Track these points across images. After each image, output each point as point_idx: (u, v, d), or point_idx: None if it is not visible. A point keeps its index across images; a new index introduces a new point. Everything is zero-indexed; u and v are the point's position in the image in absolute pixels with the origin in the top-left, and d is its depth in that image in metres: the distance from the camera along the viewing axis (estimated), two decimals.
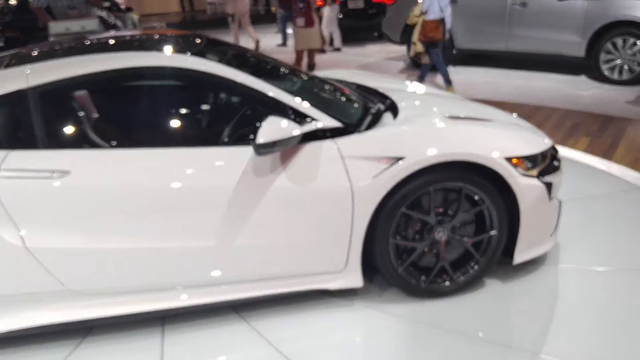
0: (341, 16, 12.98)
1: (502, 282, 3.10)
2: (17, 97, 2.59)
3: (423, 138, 2.81)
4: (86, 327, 2.80)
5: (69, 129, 2.68)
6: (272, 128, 2.50)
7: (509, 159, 2.82)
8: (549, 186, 3.01)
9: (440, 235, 2.89)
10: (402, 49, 10.08)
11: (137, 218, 2.59)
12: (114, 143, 2.67)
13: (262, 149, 2.49)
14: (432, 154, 2.71)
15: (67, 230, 2.55)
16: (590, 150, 5.00)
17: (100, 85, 2.72)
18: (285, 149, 2.59)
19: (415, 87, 4.12)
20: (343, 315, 2.89)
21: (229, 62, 3.28)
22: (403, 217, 2.84)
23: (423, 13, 7.46)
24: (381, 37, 10.82)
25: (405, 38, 9.80)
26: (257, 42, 12.34)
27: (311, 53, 8.51)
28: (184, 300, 2.72)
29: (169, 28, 15.42)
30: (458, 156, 2.73)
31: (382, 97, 3.51)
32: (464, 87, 8.08)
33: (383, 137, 2.81)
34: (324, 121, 2.77)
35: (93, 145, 2.64)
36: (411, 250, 2.91)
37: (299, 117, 2.75)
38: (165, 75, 2.74)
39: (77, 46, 3.16)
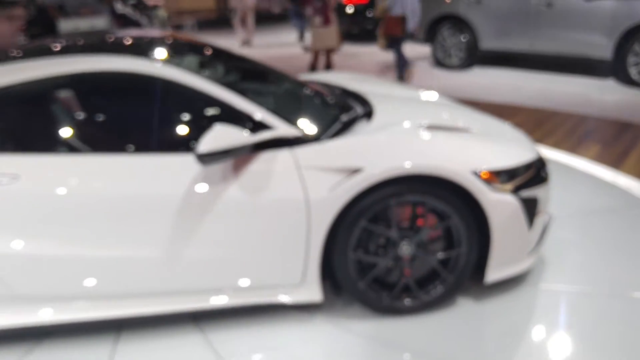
0: (371, 15, 12.83)
1: (475, 301, 2.93)
2: None
3: (384, 149, 2.66)
4: (38, 333, 2.76)
5: (20, 133, 2.64)
6: (216, 137, 2.40)
7: (477, 173, 2.65)
8: (529, 201, 2.83)
9: (405, 250, 2.75)
10: (427, 49, 9.85)
11: (86, 225, 2.53)
12: (66, 149, 2.62)
13: (205, 159, 2.39)
14: (391, 166, 2.56)
15: (16, 234, 2.51)
16: (599, 158, 4.72)
17: (53, 89, 2.67)
18: (233, 159, 2.49)
19: (423, 94, 3.93)
20: (301, 330, 2.76)
21: (201, 65, 3.22)
22: (365, 231, 2.70)
23: (387, 9, 7.76)
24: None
25: (430, 37, 9.59)
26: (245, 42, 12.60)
27: (329, 53, 8.36)
28: (133, 308, 2.65)
29: (198, 27, 15.56)
30: (419, 169, 2.58)
31: (364, 103, 3.37)
32: (485, 88, 7.84)
33: (342, 147, 2.68)
34: (282, 130, 2.66)
35: (45, 150, 2.59)
36: (374, 265, 2.77)
37: (256, 125, 2.65)
38: (117, 79, 2.67)
39: (59, 47, 3.10)
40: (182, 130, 2.67)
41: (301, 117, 2.91)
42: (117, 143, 2.62)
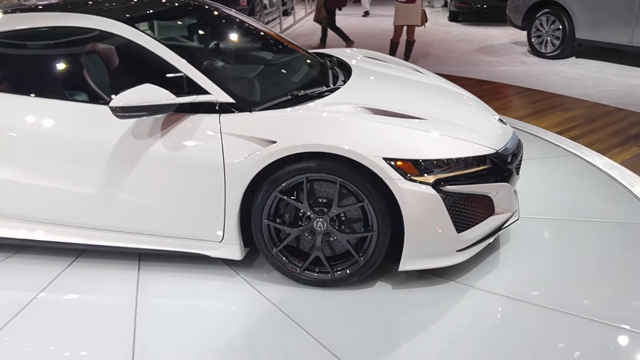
0: None
1: (392, 286, 2.77)
2: None
3: (299, 125, 2.58)
4: (21, 246, 3.10)
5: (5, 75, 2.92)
6: (133, 94, 2.46)
7: (391, 160, 2.48)
8: (466, 197, 2.60)
9: (318, 225, 2.67)
10: (524, 34, 9.07)
11: (41, 159, 2.78)
12: (35, 92, 2.85)
13: (117, 112, 2.48)
14: (299, 143, 2.49)
15: None
16: (632, 162, 4.13)
17: (33, 39, 2.91)
18: (151, 115, 2.55)
19: (429, 79, 3.70)
20: (218, 284, 2.81)
21: (187, 30, 3.33)
22: (281, 202, 2.67)
23: None
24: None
25: (527, 23, 8.83)
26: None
27: (411, 29, 8.00)
28: (74, 237, 2.87)
29: None
30: (323, 148, 2.47)
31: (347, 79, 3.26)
32: (568, 79, 7.11)
33: (263, 120, 2.63)
34: (217, 95, 2.66)
35: (17, 91, 2.85)
36: (289, 234, 2.73)
37: (193, 88, 2.67)
38: (75, 34, 2.86)
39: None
40: (129, 85, 2.73)
41: (252, 86, 2.90)
42: (68, 91, 2.80)
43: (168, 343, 2.43)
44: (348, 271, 2.70)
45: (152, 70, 2.75)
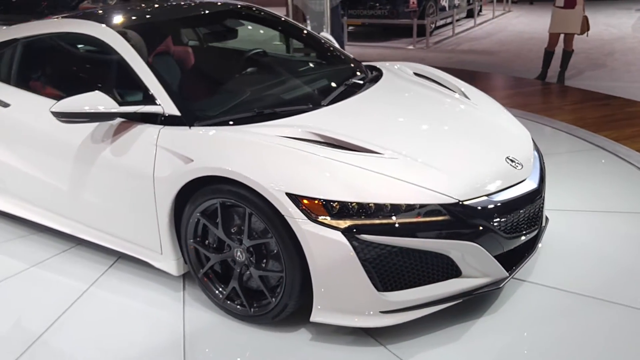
0: None
1: (313, 336, 2.40)
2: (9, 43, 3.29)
3: (220, 146, 2.40)
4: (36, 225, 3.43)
5: (24, 74, 3.24)
6: (75, 101, 2.48)
7: (296, 196, 2.14)
8: (394, 251, 2.15)
9: (239, 255, 2.44)
10: None
11: (35, 150, 3.04)
12: (43, 91, 3.13)
13: (60, 118, 2.52)
14: (206, 166, 2.32)
15: (3, 145, 3.19)
16: None
17: (47, 44, 3.20)
18: (92, 122, 2.57)
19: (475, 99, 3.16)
20: (159, 296, 2.76)
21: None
22: (204, 225, 2.50)
23: None
24: None
25: None
26: None
27: (568, 37, 6.83)
28: (55, 223, 3.11)
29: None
30: (221, 172, 2.28)
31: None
32: None
33: (193, 137, 2.48)
34: (165, 107, 2.59)
35: (30, 89, 3.15)
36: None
37: (149, 97, 2.64)
38: (68, 39, 3.09)
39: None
40: (103, 89, 2.75)
41: (216, 99, 2.83)
42: (62, 92, 3.00)
43: (80, 332, 2.54)
44: (262, 310, 2.43)
45: (120, 75, 2.82)
